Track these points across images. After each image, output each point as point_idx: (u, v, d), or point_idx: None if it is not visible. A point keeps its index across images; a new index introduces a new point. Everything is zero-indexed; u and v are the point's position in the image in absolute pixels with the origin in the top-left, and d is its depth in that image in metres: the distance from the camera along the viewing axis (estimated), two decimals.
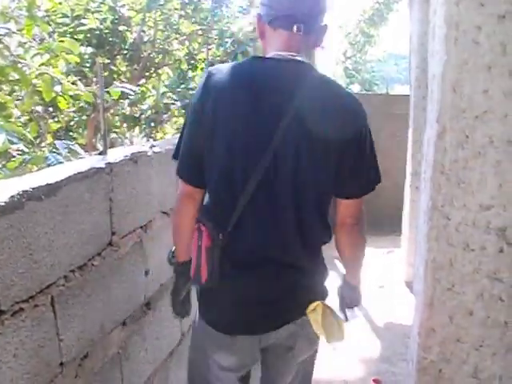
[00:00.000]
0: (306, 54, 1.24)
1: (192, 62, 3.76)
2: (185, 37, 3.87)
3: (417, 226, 1.95)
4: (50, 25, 3.01)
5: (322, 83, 1.22)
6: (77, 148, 1.64)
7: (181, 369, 1.84)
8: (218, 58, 3.68)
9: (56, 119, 3.17)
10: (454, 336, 1.49)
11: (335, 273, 1.50)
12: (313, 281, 1.26)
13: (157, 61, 3.88)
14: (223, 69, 1.21)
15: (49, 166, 1.54)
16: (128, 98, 3.35)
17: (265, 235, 1.18)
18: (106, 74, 3.56)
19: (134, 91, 3.00)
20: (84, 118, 3.51)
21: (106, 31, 3.54)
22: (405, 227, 3.76)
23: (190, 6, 3.86)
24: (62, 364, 1.12)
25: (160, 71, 3.99)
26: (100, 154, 1.39)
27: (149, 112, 3.55)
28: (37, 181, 1.08)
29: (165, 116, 3.59)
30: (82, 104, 3.10)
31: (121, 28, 3.59)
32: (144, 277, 1.52)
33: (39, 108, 2.53)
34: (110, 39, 3.57)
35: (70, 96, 2.13)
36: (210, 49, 3.69)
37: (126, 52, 3.72)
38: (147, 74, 3.96)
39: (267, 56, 1.23)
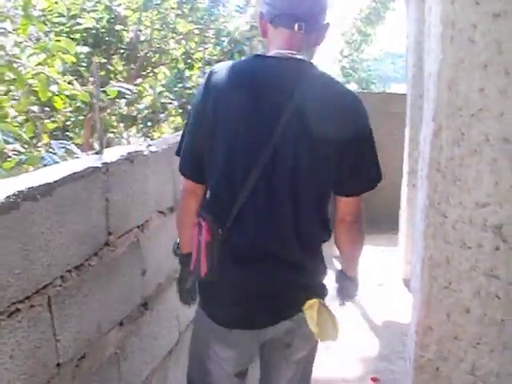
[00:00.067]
0: (307, 52, 1.25)
1: (189, 61, 3.76)
2: (181, 36, 3.87)
3: (414, 224, 1.95)
4: (45, 24, 3.00)
5: (323, 81, 1.22)
6: (73, 148, 1.64)
7: (179, 368, 1.84)
8: (215, 58, 3.68)
9: (52, 119, 3.17)
10: (451, 334, 1.49)
11: (334, 272, 1.51)
12: (311, 278, 1.27)
13: (153, 60, 3.88)
14: (224, 67, 1.23)
15: (45, 166, 1.54)
16: (125, 98, 3.35)
17: (263, 231, 1.19)
18: (102, 73, 3.56)
19: (130, 90, 3.00)
20: (81, 117, 3.51)
21: (103, 30, 3.53)
22: (402, 225, 3.77)
23: (187, 6, 3.86)
24: (58, 365, 1.12)
25: (157, 70, 3.98)
26: (96, 153, 1.39)
27: (146, 111, 3.54)
28: (32, 181, 1.08)
29: (162, 115, 3.58)
30: (78, 104, 3.10)
31: (117, 27, 3.58)
32: (141, 277, 1.52)
33: (35, 108, 2.52)
34: (107, 38, 3.57)
35: (67, 96, 2.12)
36: (206, 48, 3.68)
37: (122, 51, 3.71)
38: (144, 73, 3.96)
39: (268, 54, 1.24)
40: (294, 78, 1.18)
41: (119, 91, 2.47)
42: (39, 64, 2.25)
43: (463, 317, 1.46)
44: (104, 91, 2.20)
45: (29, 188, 1.04)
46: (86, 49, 3.44)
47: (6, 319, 0.96)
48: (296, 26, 1.19)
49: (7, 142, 1.61)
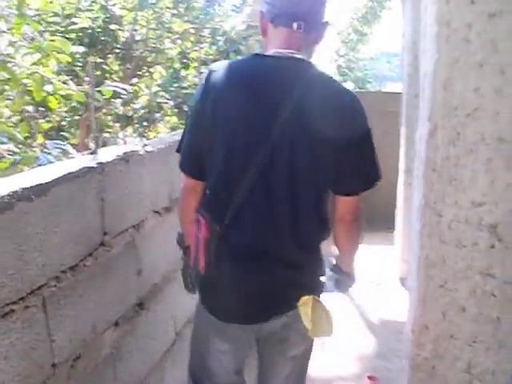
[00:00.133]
0: (306, 51, 1.26)
1: (184, 60, 3.75)
2: (177, 35, 3.86)
3: (410, 223, 1.95)
4: (40, 24, 2.98)
5: (322, 81, 1.23)
6: (68, 148, 1.63)
7: (176, 368, 1.83)
8: (211, 57, 3.67)
9: (47, 119, 3.15)
10: (447, 332, 1.50)
11: (329, 266, 1.53)
12: (308, 276, 1.27)
13: (149, 60, 3.87)
14: (223, 67, 1.24)
15: (40, 166, 1.53)
16: (120, 98, 3.34)
17: (261, 229, 1.21)
18: (98, 73, 3.54)
19: (126, 90, 2.99)
20: (76, 117, 3.50)
21: (98, 30, 3.52)
22: (398, 224, 3.77)
23: (183, 5, 3.85)
24: (54, 365, 1.11)
25: (152, 70, 3.97)
26: (91, 153, 1.38)
27: (142, 111, 3.53)
28: (27, 181, 1.07)
29: (157, 115, 3.58)
30: (74, 104, 3.08)
31: (113, 27, 3.57)
32: (137, 277, 1.51)
33: (30, 108, 2.51)
34: (102, 38, 3.55)
35: (61, 96, 2.11)
36: (202, 48, 3.68)
37: (118, 51, 3.70)
38: (140, 73, 3.95)
39: (267, 53, 1.24)
40: (292, 78, 1.19)
41: (115, 91, 2.46)
42: (34, 64, 2.24)
43: (459, 315, 1.46)
44: (99, 91, 2.19)
45: (23, 188, 1.04)
46: (81, 48, 3.42)
47: (0, 320, 0.95)
48: (295, 25, 1.20)
49: (1, 142, 1.60)
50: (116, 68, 3.80)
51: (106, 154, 1.38)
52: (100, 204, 1.31)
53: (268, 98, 1.18)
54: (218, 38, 3.47)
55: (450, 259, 1.43)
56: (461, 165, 1.38)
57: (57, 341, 1.12)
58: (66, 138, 3.34)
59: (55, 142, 1.71)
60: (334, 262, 1.46)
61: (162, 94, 3.57)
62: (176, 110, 3.49)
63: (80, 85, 2.84)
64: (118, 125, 4.03)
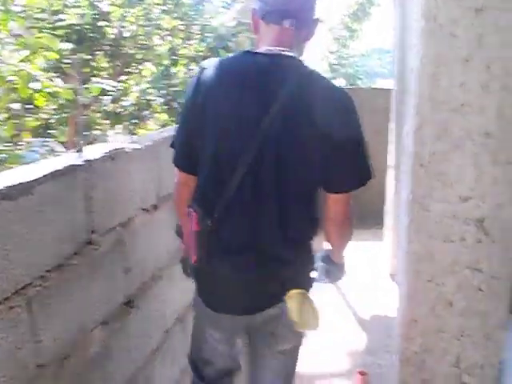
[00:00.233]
0: (297, 48, 1.27)
1: (174, 57, 3.73)
2: (166, 32, 3.84)
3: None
4: (27, 20, 2.95)
5: (312, 78, 1.23)
6: (54, 145, 1.61)
7: (166, 367, 1.83)
8: (202, 54, 3.65)
9: (35, 117, 3.12)
10: (435, 327, 1.51)
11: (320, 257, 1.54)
12: (295, 272, 1.28)
13: (138, 57, 3.84)
14: (214, 64, 1.25)
15: (26, 164, 1.51)
16: (108, 95, 3.31)
17: (249, 224, 1.23)
18: (87, 70, 3.51)
19: (115, 87, 2.97)
20: (65, 115, 3.46)
21: (87, 27, 3.49)
22: (388, 220, 3.79)
23: (171, 1, 3.83)
24: (40, 366, 1.10)
25: (142, 67, 3.94)
26: (78, 151, 1.37)
27: (131, 108, 3.51)
28: (12, 179, 1.06)
29: (146, 112, 3.55)
30: (62, 101, 3.05)
31: (101, 23, 3.53)
32: (125, 275, 1.50)
33: (17, 105, 2.48)
34: (91, 35, 3.52)
35: (49, 93, 2.09)
36: (191, 44, 3.66)
37: (106, 48, 3.66)
38: (129, 70, 3.92)
39: (258, 51, 1.25)
40: (282, 75, 1.19)
41: (103, 88, 2.45)
42: (21, 61, 2.21)
43: (447, 310, 1.48)
44: (87, 88, 2.17)
45: (8, 187, 1.02)
46: (69, 45, 3.38)
47: None
48: (287, 23, 1.21)
49: None
50: (105, 65, 3.77)
51: (93, 152, 1.37)
52: (87, 202, 1.29)
53: (258, 96, 1.19)
54: (207, 34, 3.45)
55: (437, 254, 1.45)
56: (448, 160, 1.39)
57: (43, 341, 1.11)
58: (55, 136, 3.31)
59: (42, 140, 1.69)
60: (325, 253, 1.48)
61: (152, 91, 3.55)
62: (166, 107, 3.48)
63: (68, 82, 2.81)
64: (107, 122, 3.99)
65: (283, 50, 1.22)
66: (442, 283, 1.47)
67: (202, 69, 1.27)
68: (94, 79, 3.08)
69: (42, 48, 2.37)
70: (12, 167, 1.62)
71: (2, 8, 2.19)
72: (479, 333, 1.50)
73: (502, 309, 1.48)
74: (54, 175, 1.17)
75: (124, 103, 3.48)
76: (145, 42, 3.76)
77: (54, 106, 3.20)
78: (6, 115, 2.44)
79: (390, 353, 2.38)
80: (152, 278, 1.69)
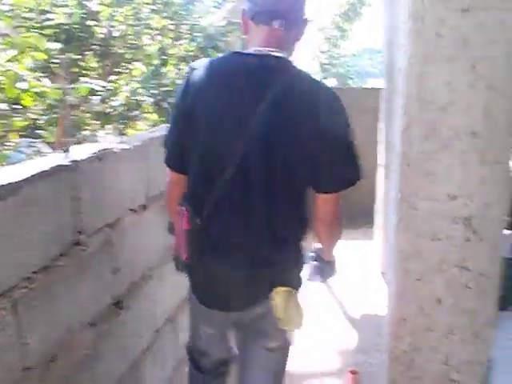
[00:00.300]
0: (287, 49, 1.28)
1: (163, 57, 3.70)
2: (156, 32, 3.82)
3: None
4: (14, 19, 2.92)
5: (300, 79, 1.24)
6: (41, 146, 1.60)
7: (155, 367, 1.82)
8: (192, 53, 3.63)
9: (24, 117, 3.08)
10: (424, 325, 1.52)
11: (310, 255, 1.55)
12: (282, 271, 1.29)
13: (128, 56, 3.81)
14: (204, 65, 1.27)
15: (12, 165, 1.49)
16: (98, 95, 3.28)
17: (237, 223, 1.24)
18: (75, 70, 3.48)
19: (104, 87, 2.95)
20: (54, 115, 3.42)
21: (75, 26, 3.45)
22: (378, 219, 3.81)
23: (161, 1, 3.81)
24: (27, 368, 1.09)
25: (132, 67, 3.91)
26: (65, 151, 1.36)
27: (121, 109, 3.48)
28: None
29: (136, 112, 3.53)
30: (50, 101, 3.02)
31: (90, 23, 3.50)
32: (114, 275, 1.49)
33: (3, 105, 2.45)
34: (79, 34, 3.49)
35: (36, 93, 2.07)
36: (181, 44, 3.64)
37: (95, 47, 3.63)
38: (119, 69, 3.89)
39: (247, 52, 1.26)
40: (270, 76, 1.20)
41: (92, 88, 2.42)
42: (8, 61, 2.19)
43: (435, 308, 1.48)
44: (75, 88, 2.15)
45: None
46: (57, 45, 3.35)
47: None
48: (276, 24, 1.22)
49: None
50: (94, 65, 3.74)
51: (80, 152, 1.36)
52: (74, 203, 1.28)
53: (246, 96, 1.19)
54: (196, 34, 3.43)
55: (425, 252, 1.45)
56: (435, 159, 1.40)
57: (29, 343, 1.10)
58: (44, 137, 3.28)
59: (29, 140, 1.67)
60: (316, 252, 1.49)
61: (142, 91, 3.52)
62: (156, 107, 3.46)
63: (56, 82, 2.79)
64: (97, 122, 3.96)
65: (272, 51, 1.23)
66: (430, 281, 1.48)
67: (192, 69, 1.28)
68: (83, 79, 3.05)
69: (29, 48, 2.34)
70: None
71: None
72: (468, 330, 1.51)
73: (490, 306, 1.49)
74: (41, 176, 1.16)
75: (113, 103, 3.45)
76: (134, 42, 3.73)
77: (43, 107, 3.17)
78: None
79: (380, 352, 2.38)
80: (142, 277, 1.69)
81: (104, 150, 1.42)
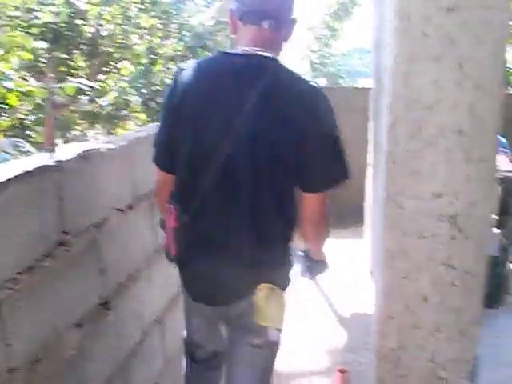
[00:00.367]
0: (275, 48, 1.28)
1: (152, 56, 3.69)
2: (145, 31, 3.80)
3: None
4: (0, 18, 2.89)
5: (287, 78, 1.24)
6: (27, 146, 1.58)
7: (142, 369, 1.81)
8: (180, 53, 3.62)
9: (11, 117, 3.05)
10: (410, 323, 1.53)
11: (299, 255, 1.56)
12: (269, 271, 1.29)
13: (116, 56, 3.79)
14: (192, 66, 1.28)
15: None
16: (85, 94, 3.26)
17: (223, 222, 1.25)
18: (63, 69, 3.46)
19: (91, 87, 2.93)
20: (42, 115, 3.39)
21: (63, 25, 3.43)
22: (368, 218, 3.82)
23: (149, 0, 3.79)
24: (11, 370, 1.08)
25: (120, 66, 3.90)
26: (49, 151, 1.35)
27: (109, 108, 3.46)
28: None
29: (125, 112, 3.51)
30: (38, 101, 2.99)
31: (77, 22, 3.48)
32: (100, 276, 1.48)
33: None
34: (67, 33, 3.46)
35: (22, 92, 2.05)
36: (169, 44, 3.63)
37: (83, 47, 3.61)
38: (107, 69, 3.87)
39: (234, 51, 1.26)
40: (258, 75, 1.20)
41: (79, 88, 2.41)
42: None
43: (422, 306, 1.49)
44: (62, 88, 2.14)
45: None
46: (44, 44, 3.32)
47: None
48: (265, 23, 1.23)
49: None
50: (82, 64, 3.72)
51: (65, 152, 1.34)
52: (59, 203, 1.27)
53: (233, 96, 1.20)
54: (184, 33, 3.43)
55: (411, 250, 1.46)
56: (421, 157, 1.41)
57: (14, 344, 1.09)
58: (31, 137, 3.24)
59: (14, 140, 1.66)
60: (306, 251, 1.50)
61: (130, 90, 3.51)
62: (144, 107, 3.44)
63: (43, 81, 2.76)
64: (86, 122, 3.93)
65: (260, 51, 1.23)
66: (416, 279, 1.49)
67: (181, 70, 1.30)
68: (70, 78, 3.04)
69: (16, 47, 2.32)
70: None
71: None
72: (454, 328, 1.52)
73: (476, 304, 1.51)
74: (25, 176, 1.15)
75: (102, 103, 3.43)
76: (123, 41, 3.72)
77: (30, 106, 3.14)
78: None
79: (369, 350, 2.39)
80: (129, 278, 1.67)
81: (89, 149, 1.41)
